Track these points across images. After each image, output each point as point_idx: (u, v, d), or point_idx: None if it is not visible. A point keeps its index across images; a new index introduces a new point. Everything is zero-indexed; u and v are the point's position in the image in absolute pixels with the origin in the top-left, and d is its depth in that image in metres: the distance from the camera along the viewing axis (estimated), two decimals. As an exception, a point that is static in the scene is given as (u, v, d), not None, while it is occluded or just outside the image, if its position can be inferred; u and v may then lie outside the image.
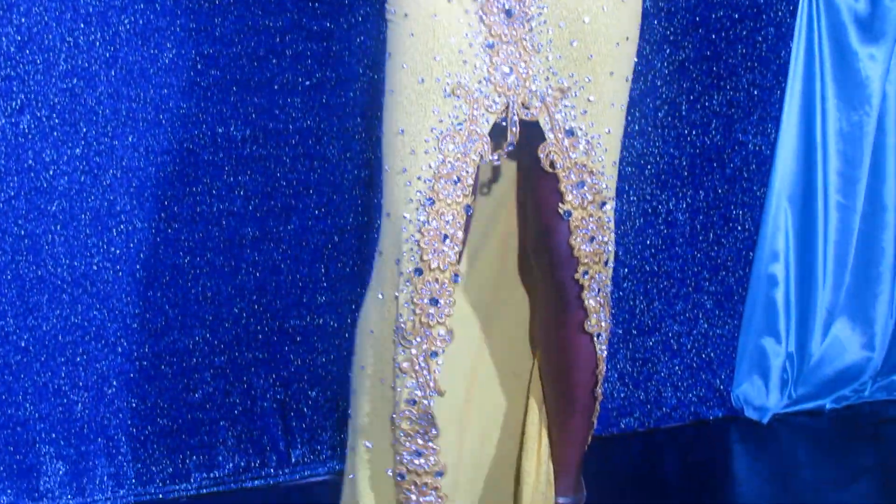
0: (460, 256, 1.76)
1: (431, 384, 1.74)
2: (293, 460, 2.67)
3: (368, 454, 1.80)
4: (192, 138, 2.55)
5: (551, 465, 1.96)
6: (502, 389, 2.00)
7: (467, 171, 1.73)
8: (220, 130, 2.56)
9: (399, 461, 1.75)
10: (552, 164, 1.76)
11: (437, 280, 1.73)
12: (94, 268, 2.52)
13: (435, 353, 1.74)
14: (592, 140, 1.77)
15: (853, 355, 3.01)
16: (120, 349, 2.55)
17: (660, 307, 2.90)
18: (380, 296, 1.77)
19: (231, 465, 2.63)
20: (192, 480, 2.61)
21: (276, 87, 2.58)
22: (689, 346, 2.93)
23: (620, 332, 2.88)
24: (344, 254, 2.66)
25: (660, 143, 2.84)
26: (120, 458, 2.56)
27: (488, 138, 1.74)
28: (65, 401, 2.53)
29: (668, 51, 2.82)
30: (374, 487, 1.79)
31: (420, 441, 1.75)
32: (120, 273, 2.54)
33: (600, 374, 1.89)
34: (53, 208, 2.49)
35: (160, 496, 2.58)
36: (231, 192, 2.58)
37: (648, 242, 2.87)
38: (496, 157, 1.75)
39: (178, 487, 2.60)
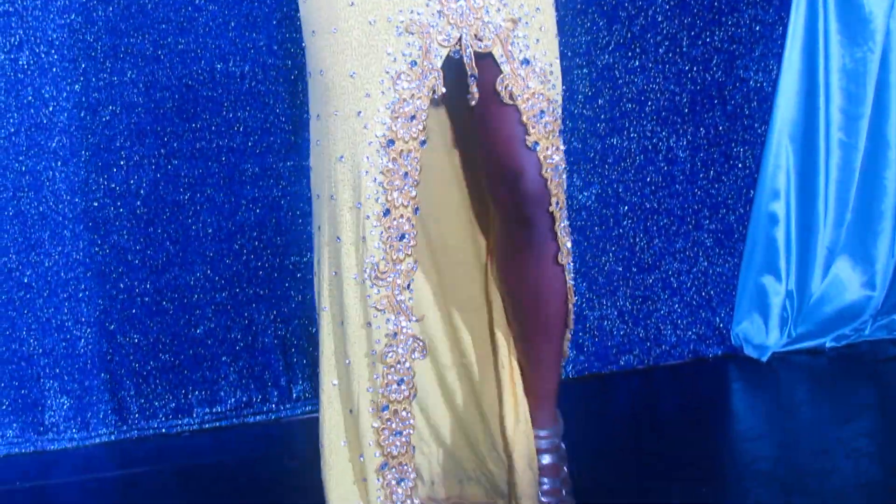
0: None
1: (409, 313, 1.76)
2: (294, 396, 2.69)
3: (335, 391, 1.81)
4: (191, 74, 2.54)
5: (526, 400, 1.96)
6: (463, 329, 2.00)
7: (422, 108, 1.72)
8: (219, 66, 2.56)
9: (382, 394, 1.77)
10: (511, 96, 1.75)
11: (402, 216, 1.74)
12: (95, 204, 2.53)
13: (408, 285, 1.76)
14: (546, 69, 1.77)
15: (853, 294, 2.99)
16: (122, 285, 2.57)
17: (660, 245, 2.89)
18: (337, 239, 1.76)
19: (233, 400, 2.66)
20: (194, 415, 2.63)
21: (274, 22, 2.57)
22: (688, 284, 2.93)
23: (620, 269, 2.88)
24: (343, 190, 2.66)
25: (660, 80, 2.82)
26: (123, 392, 2.59)
27: (441, 72, 1.72)
28: (68, 336, 2.55)
29: (669, -15, 2.80)
30: (343, 424, 1.81)
31: (402, 370, 1.77)
32: (121, 209, 2.55)
33: (572, 302, 1.89)
34: (54, 144, 2.50)
35: (163, 430, 2.61)
36: (230, 129, 2.58)
37: (648, 180, 2.86)
38: (446, 90, 1.73)
39: (180, 422, 2.62)
